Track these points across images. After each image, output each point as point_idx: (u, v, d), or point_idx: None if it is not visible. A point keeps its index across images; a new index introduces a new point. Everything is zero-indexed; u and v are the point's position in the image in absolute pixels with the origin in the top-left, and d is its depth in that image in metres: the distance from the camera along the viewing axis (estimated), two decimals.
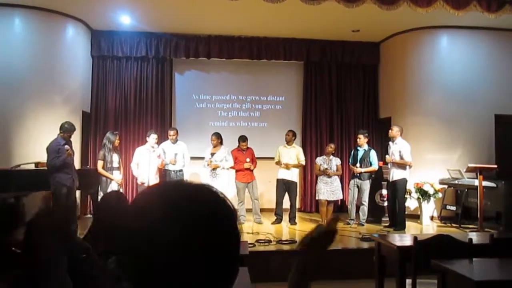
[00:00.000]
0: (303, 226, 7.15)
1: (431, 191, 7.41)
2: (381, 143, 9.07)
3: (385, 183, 7.46)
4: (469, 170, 6.76)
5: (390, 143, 7.09)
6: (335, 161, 7.27)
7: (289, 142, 7.45)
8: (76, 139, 6.98)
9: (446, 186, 7.64)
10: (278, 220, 7.31)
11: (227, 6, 6.59)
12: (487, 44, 8.11)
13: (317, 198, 7.41)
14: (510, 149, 7.89)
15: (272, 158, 7.61)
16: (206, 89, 9.14)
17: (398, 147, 6.89)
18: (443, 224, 7.45)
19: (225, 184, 6.92)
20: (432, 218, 7.79)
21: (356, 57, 9.15)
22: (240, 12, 7.23)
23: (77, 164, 6.77)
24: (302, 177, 9.01)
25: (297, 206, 7.75)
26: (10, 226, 2.78)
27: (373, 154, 7.17)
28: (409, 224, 7.09)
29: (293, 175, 7.36)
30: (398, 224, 6.81)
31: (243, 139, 7.42)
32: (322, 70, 9.24)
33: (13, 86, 6.94)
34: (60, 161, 5.71)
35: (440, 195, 7.55)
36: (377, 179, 7.55)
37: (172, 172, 7.01)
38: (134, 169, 6.85)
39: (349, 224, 7.09)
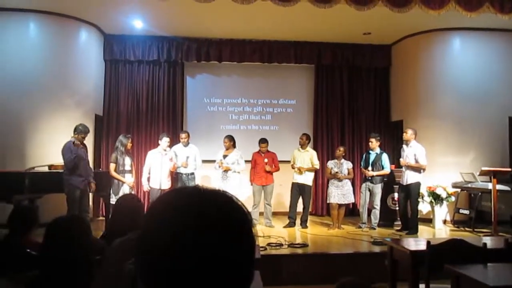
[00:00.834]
0: (314, 230, 7.13)
1: (443, 195, 7.34)
2: (393, 146, 9.01)
3: (397, 186, 7.40)
4: (483, 173, 6.67)
5: (404, 146, 7.03)
6: (346, 165, 7.24)
7: (302, 145, 7.44)
8: (88, 142, 7.04)
9: (459, 190, 7.56)
10: (291, 224, 7.30)
11: (238, 10, 6.62)
12: (501, 46, 8.02)
13: (328, 201, 7.38)
14: None
15: (283, 162, 7.61)
16: (217, 93, 9.18)
17: (413, 150, 6.83)
18: (456, 228, 7.36)
19: (236, 186, 6.91)
20: (445, 222, 7.71)
21: (368, 60, 9.12)
22: (251, 15, 7.26)
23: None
24: (313, 180, 8.97)
25: (309, 209, 7.71)
26: (25, 228, 2.82)
27: (385, 158, 7.12)
28: (421, 228, 7.03)
29: (307, 179, 7.34)
30: (410, 228, 6.74)
31: (262, 141, 7.42)
32: (333, 73, 9.23)
33: (27, 90, 7.05)
34: (73, 155, 5.72)
35: (453, 198, 7.47)
36: (389, 182, 7.51)
37: (184, 175, 7.04)
38: (145, 173, 6.86)
39: (360, 227, 7.06)
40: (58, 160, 6.05)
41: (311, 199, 8.75)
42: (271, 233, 6.54)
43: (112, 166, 6.50)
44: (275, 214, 7.64)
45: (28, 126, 7.07)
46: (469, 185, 7.26)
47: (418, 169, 6.77)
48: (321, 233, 6.86)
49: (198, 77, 9.22)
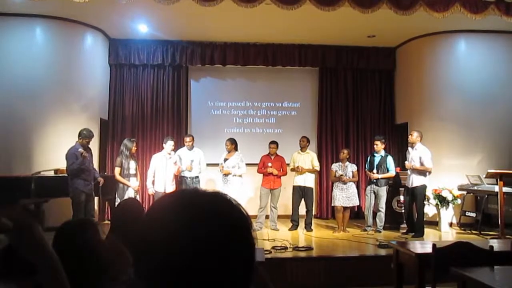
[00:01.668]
0: (319, 233, 7.11)
1: (449, 197, 7.30)
2: (398, 149, 8.99)
3: (403, 189, 7.37)
4: (489, 175, 6.62)
5: (410, 148, 7.01)
6: (351, 167, 7.22)
7: (303, 148, 7.45)
8: (94, 146, 7.09)
9: (465, 192, 7.52)
10: (295, 227, 7.29)
11: (242, 13, 6.63)
12: (506, 48, 7.98)
13: (333, 204, 7.37)
14: None
15: (288, 165, 7.60)
16: (221, 96, 9.20)
17: (419, 153, 6.81)
18: (462, 231, 7.32)
19: (236, 190, 6.88)
20: (451, 224, 7.66)
21: (372, 62, 9.11)
22: (255, 19, 7.27)
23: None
24: (318, 183, 8.97)
25: (313, 212, 7.69)
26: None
27: (390, 160, 7.10)
28: (427, 231, 6.99)
29: (308, 181, 7.33)
30: (416, 231, 6.71)
31: (271, 142, 7.46)
32: (337, 76, 9.22)
33: (33, 94, 7.10)
34: (76, 164, 5.81)
35: (459, 201, 7.42)
36: (395, 185, 7.48)
37: (188, 179, 7.04)
38: (150, 177, 6.84)
39: (366, 230, 7.04)
40: (64, 165, 6.08)
41: (316, 202, 8.75)
42: (276, 236, 6.53)
43: (117, 170, 6.52)
44: (279, 217, 7.63)
45: (34, 130, 7.11)
46: (475, 188, 7.22)
47: (423, 171, 6.75)
48: (326, 236, 6.84)
49: (202, 80, 9.25)
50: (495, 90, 7.84)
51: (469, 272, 2.80)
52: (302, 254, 5.51)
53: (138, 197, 6.84)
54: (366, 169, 7.45)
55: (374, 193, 7.08)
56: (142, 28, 7.96)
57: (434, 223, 7.52)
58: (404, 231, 7.02)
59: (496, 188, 6.47)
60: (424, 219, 6.96)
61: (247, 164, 7.32)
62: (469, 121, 7.81)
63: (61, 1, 5.60)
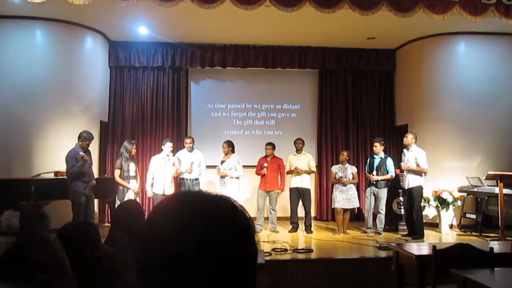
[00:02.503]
0: (319, 235, 7.11)
1: (449, 199, 7.29)
2: (398, 151, 8.97)
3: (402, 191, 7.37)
4: (489, 177, 6.62)
5: (405, 150, 7.05)
6: (351, 169, 7.22)
7: (299, 150, 7.46)
8: (94, 148, 7.09)
9: (465, 194, 7.52)
10: (294, 228, 7.28)
11: (242, 16, 6.63)
12: (505, 50, 7.99)
13: (333, 206, 7.37)
14: None
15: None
16: (221, 98, 9.20)
17: (414, 154, 6.84)
18: (463, 233, 7.31)
19: (234, 192, 6.84)
20: (451, 226, 7.65)
21: (372, 64, 9.12)
22: (254, 21, 7.28)
23: (95, 173, 6.86)
24: (317, 185, 8.98)
25: (313, 214, 7.70)
26: None
27: (389, 162, 7.11)
28: (428, 232, 6.98)
29: (305, 182, 7.33)
30: (416, 233, 6.71)
31: (267, 144, 7.47)
32: (337, 78, 9.23)
33: (33, 96, 7.10)
34: (77, 168, 5.81)
35: (459, 203, 7.42)
36: (394, 187, 7.48)
37: (188, 181, 7.03)
38: (149, 179, 6.81)
39: (366, 232, 7.04)
40: (64, 167, 6.08)
41: (316, 204, 8.75)
42: (276, 238, 6.52)
43: (117, 172, 6.51)
44: (279, 219, 7.62)
45: (34, 132, 7.11)
46: (476, 189, 7.22)
47: (419, 172, 6.78)
48: (326, 238, 6.84)
49: (202, 82, 9.25)
50: (495, 91, 7.84)
51: (470, 273, 2.80)
52: (302, 256, 5.51)
53: (138, 199, 6.83)
54: (366, 171, 7.45)
55: (374, 195, 7.08)
56: (142, 31, 7.97)
57: (435, 225, 7.51)
58: (405, 233, 7.01)
59: (497, 190, 6.47)
60: (424, 221, 6.97)
61: (247, 166, 7.31)
62: (469, 123, 7.81)
63: (62, 3, 5.60)
